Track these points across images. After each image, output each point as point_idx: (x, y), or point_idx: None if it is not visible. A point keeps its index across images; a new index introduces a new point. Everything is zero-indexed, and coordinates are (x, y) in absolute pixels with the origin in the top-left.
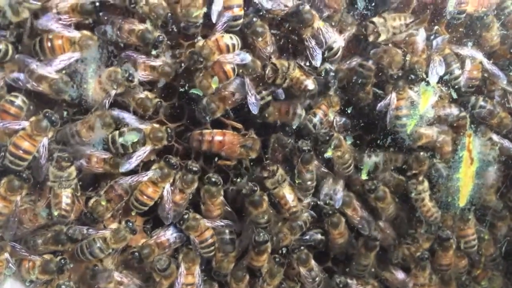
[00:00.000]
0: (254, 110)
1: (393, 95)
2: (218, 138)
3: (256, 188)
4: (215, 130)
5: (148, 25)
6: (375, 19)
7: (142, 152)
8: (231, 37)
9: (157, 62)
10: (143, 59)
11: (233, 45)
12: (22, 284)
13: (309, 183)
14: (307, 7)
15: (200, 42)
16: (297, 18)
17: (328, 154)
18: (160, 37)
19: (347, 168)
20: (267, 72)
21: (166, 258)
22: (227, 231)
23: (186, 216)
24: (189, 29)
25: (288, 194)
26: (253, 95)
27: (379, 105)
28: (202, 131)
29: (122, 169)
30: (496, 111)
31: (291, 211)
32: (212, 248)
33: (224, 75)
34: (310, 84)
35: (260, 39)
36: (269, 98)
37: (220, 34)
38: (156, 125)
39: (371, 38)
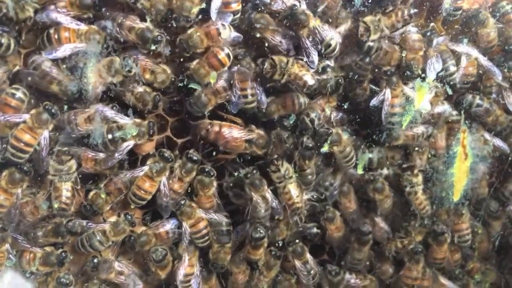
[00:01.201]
0: (234, 109)
1: (388, 91)
2: (224, 130)
3: (255, 171)
4: (223, 122)
5: (148, 24)
6: (368, 19)
7: (124, 147)
8: (222, 24)
9: (157, 69)
10: (145, 61)
11: (224, 30)
12: (23, 275)
13: (309, 177)
14: (301, 8)
15: (190, 30)
16: (292, 19)
17: (324, 149)
18: (159, 36)
19: (349, 161)
20: (265, 67)
21: (162, 249)
22: (223, 222)
23: (182, 202)
24: (180, 21)
25: (293, 190)
26: (236, 94)
27: (372, 100)
28: (212, 121)
29: (104, 166)
30: (492, 109)
31: (293, 206)
32: (207, 238)
33: (219, 63)
34: (309, 79)
35: (266, 28)
36: (254, 102)
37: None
38: (138, 120)
39: (363, 38)
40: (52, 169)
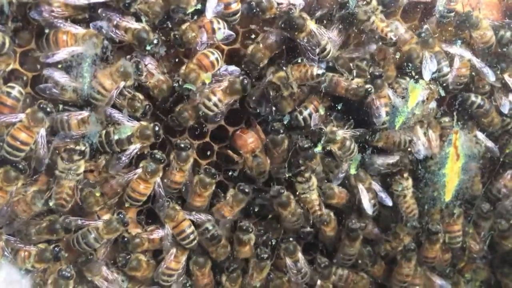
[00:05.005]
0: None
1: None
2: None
3: (283, 191)
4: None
5: (145, 25)
6: (374, 2)
7: (131, 151)
8: (218, 21)
9: (160, 76)
10: (151, 65)
11: (219, 29)
12: (18, 271)
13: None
14: (298, 12)
15: (184, 25)
16: (289, 24)
17: (318, 149)
18: (155, 39)
19: (351, 153)
20: (272, 94)
21: (123, 255)
22: (208, 228)
23: (166, 204)
24: (178, 13)
25: (315, 200)
26: None
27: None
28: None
29: (112, 170)
30: (491, 111)
31: (316, 214)
32: (192, 238)
33: (210, 65)
34: (316, 69)
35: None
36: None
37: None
38: (144, 123)
39: (355, 9)
40: (60, 166)
